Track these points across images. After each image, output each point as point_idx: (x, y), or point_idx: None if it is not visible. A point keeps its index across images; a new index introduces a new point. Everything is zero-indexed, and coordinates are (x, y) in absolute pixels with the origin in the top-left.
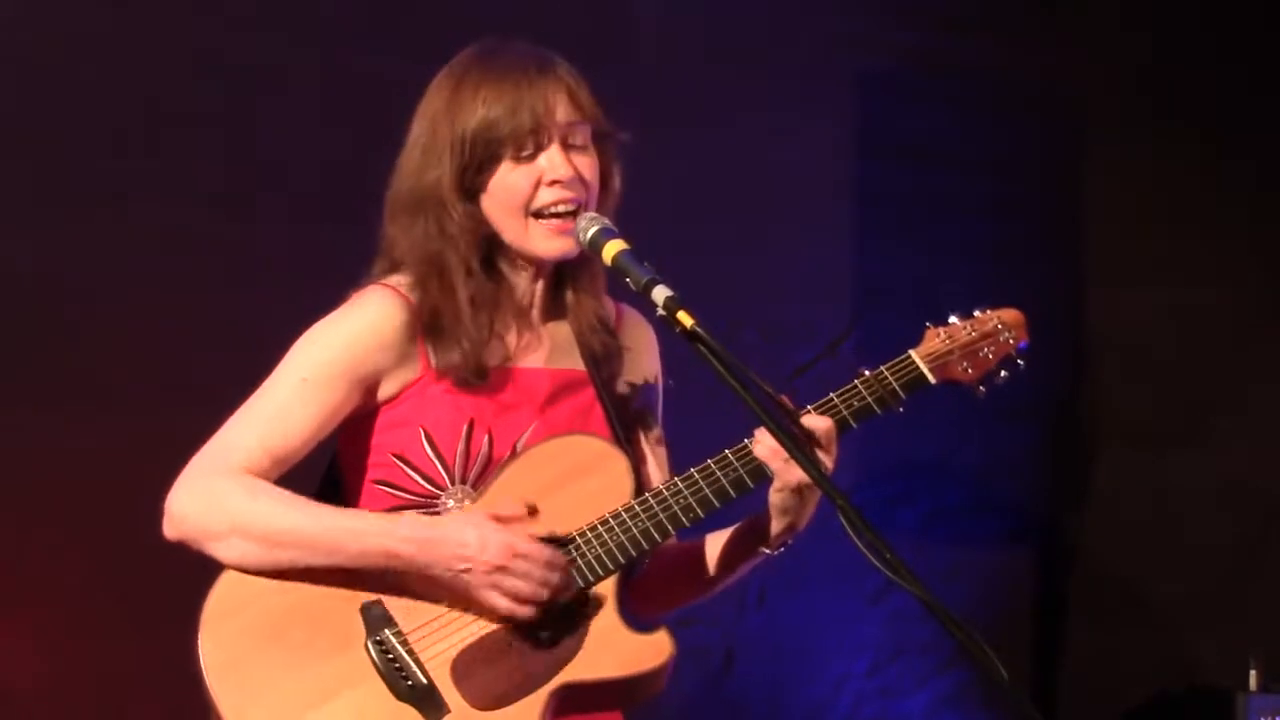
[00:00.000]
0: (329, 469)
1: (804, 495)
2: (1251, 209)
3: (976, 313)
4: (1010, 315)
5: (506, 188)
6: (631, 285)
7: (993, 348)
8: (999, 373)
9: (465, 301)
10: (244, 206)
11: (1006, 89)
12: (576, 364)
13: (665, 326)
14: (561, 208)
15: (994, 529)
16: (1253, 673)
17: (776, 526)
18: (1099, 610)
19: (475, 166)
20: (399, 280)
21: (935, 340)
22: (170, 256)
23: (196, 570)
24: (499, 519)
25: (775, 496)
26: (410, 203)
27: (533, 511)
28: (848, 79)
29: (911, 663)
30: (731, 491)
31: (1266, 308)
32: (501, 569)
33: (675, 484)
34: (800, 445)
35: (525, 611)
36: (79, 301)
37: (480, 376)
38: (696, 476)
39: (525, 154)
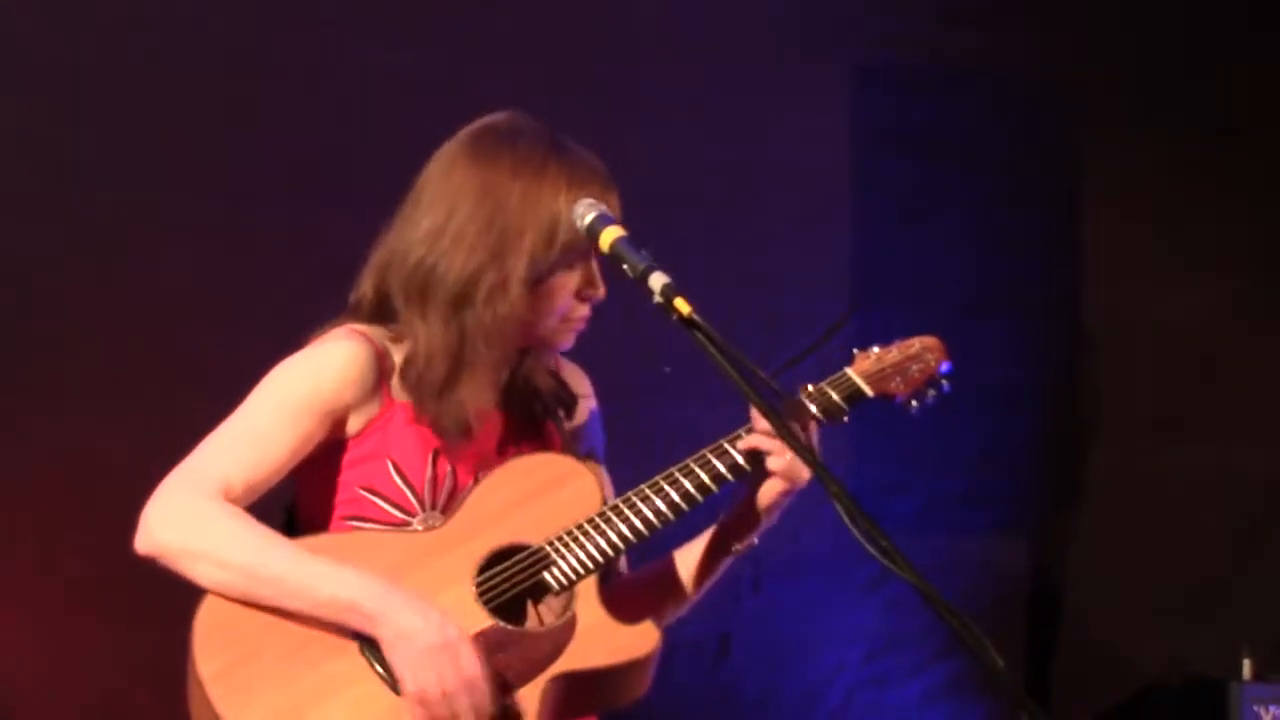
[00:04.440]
0: (287, 522)
1: (792, 491)
2: (1251, 201)
3: (897, 340)
4: (929, 340)
5: (565, 289)
6: (629, 272)
7: (919, 367)
8: (928, 391)
9: (476, 382)
10: (244, 197)
11: (1007, 81)
12: (529, 407)
13: (662, 313)
14: (584, 322)
15: (989, 519)
16: (1246, 662)
17: (766, 522)
18: (1093, 600)
19: (552, 264)
20: (366, 328)
21: (866, 360)
22: (170, 248)
23: None
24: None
25: (768, 491)
26: (456, 291)
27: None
28: (848, 70)
29: (906, 652)
30: (697, 496)
31: (1264, 301)
32: (433, 655)
33: (643, 490)
34: (798, 434)
35: (418, 712)
36: (76, 290)
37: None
38: (666, 479)
39: (583, 261)
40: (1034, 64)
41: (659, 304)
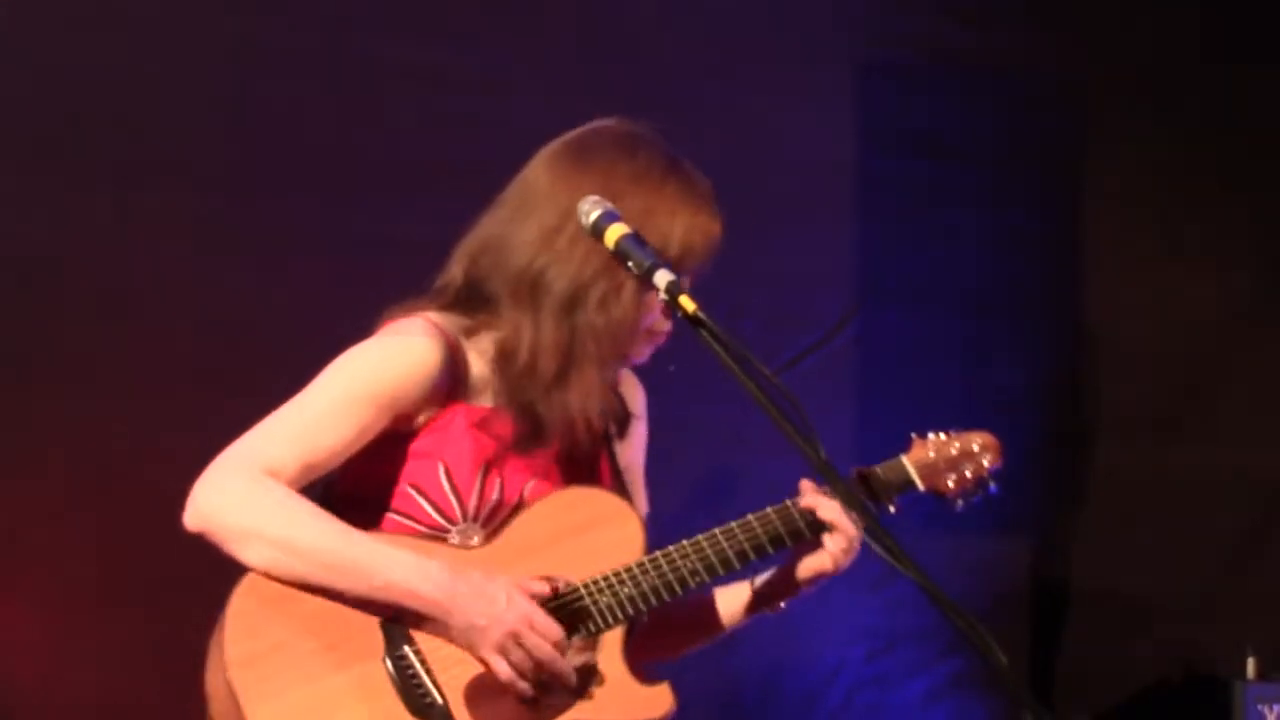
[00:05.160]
0: (323, 499)
1: (835, 573)
2: (1252, 201)
3: (954, 431)
4: (988, 439)
5: (657, 302)
6: (634, 269)
7: (971, 466)
8: (976, 492)
9: (584, 384)
10: (243, 190)
11: (1008, 78)
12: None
13: (666, 311)
14: (665, 337)
15: (990, 519)
16: (1251, 661)
17: (803, 591)
18: (1095, 599)
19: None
20: (443, 319)
21: (922, 450)
22: (168, 240)
23: (197, 549)
24: (524, 589)
25: (809, 566)
26: (569, 294)
27: (550, 580)
28: (850, 67)
29: (909, 651)
30: (735, 563)
31: (1264, 301)
32: (515, 635)
33: (684, 547)
34: (814, 444)
35: (521, 686)
36: (78, 282)
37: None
38: (708, 539)
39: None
40: (1034, 64)
41: (664, 301)
